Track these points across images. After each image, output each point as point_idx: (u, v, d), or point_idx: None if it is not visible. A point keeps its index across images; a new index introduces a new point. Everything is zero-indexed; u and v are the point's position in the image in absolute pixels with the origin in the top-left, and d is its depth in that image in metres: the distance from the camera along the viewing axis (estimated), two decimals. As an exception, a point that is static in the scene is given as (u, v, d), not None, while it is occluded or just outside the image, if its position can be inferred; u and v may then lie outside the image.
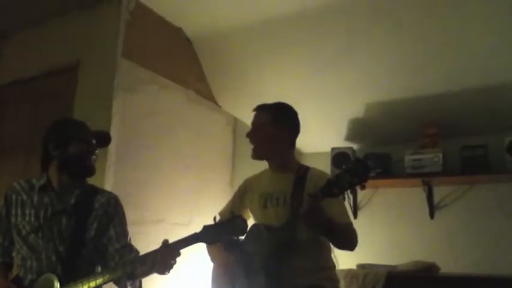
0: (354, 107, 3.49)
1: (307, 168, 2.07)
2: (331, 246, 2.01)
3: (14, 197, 1.90)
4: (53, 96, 3.27)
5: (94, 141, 1.93)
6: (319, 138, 3.65)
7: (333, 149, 3.58)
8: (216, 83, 3.77)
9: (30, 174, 2.03)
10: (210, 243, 1.79)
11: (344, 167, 1.67)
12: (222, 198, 2.87)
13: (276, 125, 2.03)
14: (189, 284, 3.16)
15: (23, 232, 1.83)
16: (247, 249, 1.95)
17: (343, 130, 3.66)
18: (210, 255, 2.11)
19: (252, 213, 2.12)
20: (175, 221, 3.22)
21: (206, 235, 1.66)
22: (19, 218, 1.86)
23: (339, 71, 3.28)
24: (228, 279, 2.00)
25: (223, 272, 2.03)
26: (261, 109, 2.10)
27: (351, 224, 1.95)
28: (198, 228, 1.71)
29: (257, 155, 2.06)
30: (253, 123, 2.10)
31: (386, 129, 3.53)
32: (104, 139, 2.03)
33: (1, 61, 3.62)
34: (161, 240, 1.71)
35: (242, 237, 1.91)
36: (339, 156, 3.53)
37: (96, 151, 1.95)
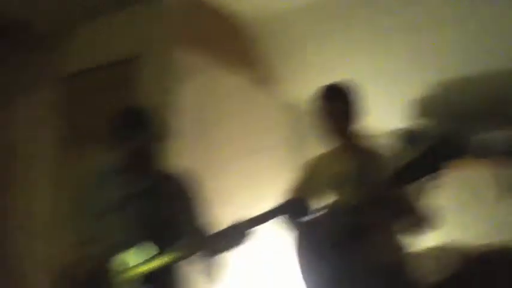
0: (420, 85, 3.39)
1: (372, 148, 2.06)
2: None
3: (92, 178, 2.04)
4: (118, 85, 3.39)
5: (156, 132, 2.00)
6: (383, 117, 3.55)
7: (397, 129, 3.48)
8: (273, 65, 3.75)
9: (102, 162, 2.12)
10: (277, 223, 1.82)
11: (423, 147, 1.57)
12: (282, 183, 2.88)
13: (353, 107, 2.06)
14: (268, 259, 3.21)
15: (103, 210, 1.95)
16: (320, 229, 1.94)
17: (409, 109, 3.56)
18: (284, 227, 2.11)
19: (318, 195, 2.09)
20: (240, 205, 3.26)
21: (272, 215, 1.70)
22: (99, 201, 1.97)
23: (402, 48, 3.18)
24: (302, 253, 2.01)
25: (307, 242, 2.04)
26: (340, 91, 2.09)
27: (423, 207, 1.91)
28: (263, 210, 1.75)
29: (341, 134, 2.05)
30: (334, 106, 2.06)
31: (455, 107, 3.40)
32: (163, 132, 2.09)
33: (71, 52, 3.79)
34: (228, 223, 1.77)
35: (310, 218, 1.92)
36: (405, 136, 3.43)
37: (159, 140, 2.01)
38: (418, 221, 1.89)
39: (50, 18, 3.60)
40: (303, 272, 2.00)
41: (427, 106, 3.50)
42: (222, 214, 3.13)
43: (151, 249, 1.84)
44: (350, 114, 2.05)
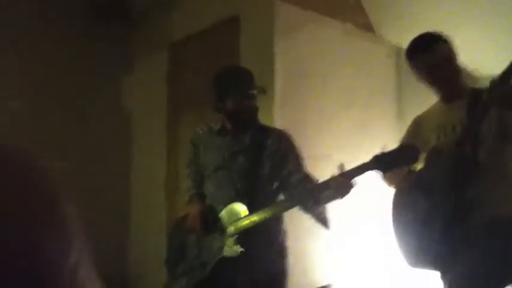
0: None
1: (479, 91, 1.89)
2: None
3: (198, 140, 2.19)
4: (220, 48, 3.51)
5: (257, 89, 2.06)
6: (497, 57, 3.25)
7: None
8: (374, 13, 3.58)
9: (209, 123, 2.27)
10: (383, 171, 1.80)
11: None
12: (389, 133, 2.82)
13: (450, 55, 1.92)
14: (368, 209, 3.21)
15: (209, 169, 2.11)
16: (427, 174, 1.89)
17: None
18: (386, 181, 2.08)
19: (424, 149, 1.99)
20: (344, 157, 3.24)
21: (378, 163, 1.70)
22: (204, 158, 2.14)
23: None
24: (408, 202, 1.96)
25: (401, 195, 2.01)
26: (439, 40, 1.94)
27: None
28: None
29: (449, 84, 1.95)
30: (438, 55, 1.92)
31: None
32: (265, 89, 2.15)
33: (176, 19, 3.98)
34: (329, 176, 1.80)
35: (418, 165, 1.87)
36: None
37: (260, 97, 2.07)
38: None
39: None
40: (400, 226, 1.96)
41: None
42: (328, 167, 3.18)
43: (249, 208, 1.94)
44: (448, 63, 1.91)
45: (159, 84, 3.99)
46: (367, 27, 3.61)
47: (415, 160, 1.68)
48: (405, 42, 3.73)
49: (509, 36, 3.15)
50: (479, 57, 2.95)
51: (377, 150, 1.88)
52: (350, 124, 3.40)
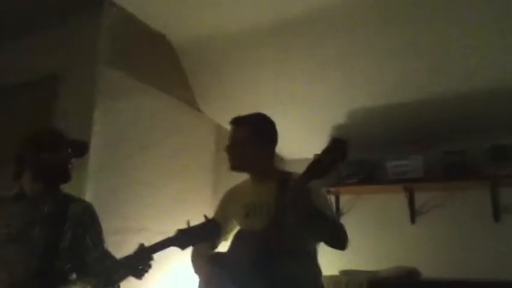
0: (337, 114, 3.53)
1: (288, 174, 2.03)
2: (317, 251, 2.00)
3: None
4: (33, 106, 3.22)
5: (70, 150, 1.91)
6: (302, 144, 3.67)
7: (315, 155, 3.59)
8: (199, 89, 3.77)
9: (2, 184, 1.98)
10: (183, 247, 1.76)
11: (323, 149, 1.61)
12: (205, 207, 2.86)
13: (257, 140, 2.01)
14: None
15: (3, 242, 1.80)
16: (233, 256, 1.91)
17: (325, 136, 3.69)
18: (194, 267, 2.04)
19: (233, 224, 2.07)
20: (158, 230, 3.16)
21: (180, 239, 1.67)
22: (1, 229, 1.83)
23: (321, 79, 3.30)
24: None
25: (207, 285, 1.99)
26: (239, 123, 2.06)
27: (336, 217, 1.93)
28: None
29: (236, 168, 2.03)
30: (233, 137, 2.05)
31: (369, 135, 3.58)
32: (81, 148, 1.99)
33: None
34: (134, 249, 1.71)
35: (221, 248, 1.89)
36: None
37: (72, 160, 1.92)
38: (335, 232, 1.85)
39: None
40: None
41: (343, 134, 3.64)
42: (143, 240, 3.04)
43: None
44: (241, 146, 2.01)
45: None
46: (191, 103, 3.75)
47: (217, 237, 1.71)
48: (225, 120, 3.95)
49: (319, 124, 3.60)
50: (292, 142, 3.28)
51: (192, 223, 1.86)
52: (169, 196, 3.37)
